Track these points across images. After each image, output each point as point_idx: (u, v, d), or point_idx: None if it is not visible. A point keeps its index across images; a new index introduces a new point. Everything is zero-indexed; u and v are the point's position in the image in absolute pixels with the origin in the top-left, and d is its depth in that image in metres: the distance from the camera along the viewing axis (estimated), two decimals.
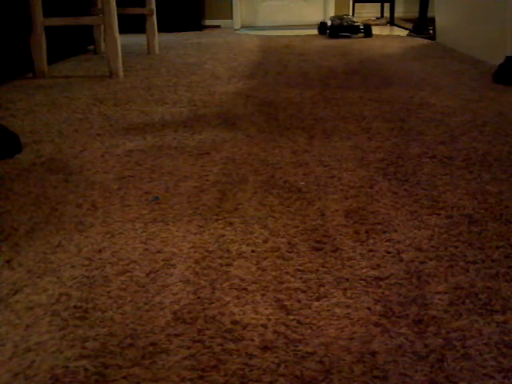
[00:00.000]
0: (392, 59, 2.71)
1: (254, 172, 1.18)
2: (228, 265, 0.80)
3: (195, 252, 0.84)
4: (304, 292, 0.73)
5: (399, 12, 5.03)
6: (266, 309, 0.69)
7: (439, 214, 0.96)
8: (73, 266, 0.81)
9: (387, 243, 0.86)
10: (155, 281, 0.76)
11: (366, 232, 0.90)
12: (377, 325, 0.66)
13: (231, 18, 4.81)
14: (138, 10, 2.96)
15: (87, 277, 0.78)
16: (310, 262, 0.80)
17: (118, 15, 2.27)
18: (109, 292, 0.74)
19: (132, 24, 3.45)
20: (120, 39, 2.27)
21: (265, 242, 0.87)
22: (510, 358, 0.60)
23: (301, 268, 0.79)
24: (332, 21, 4.02)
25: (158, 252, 0.85)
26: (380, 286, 0.74)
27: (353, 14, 4.93)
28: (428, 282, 0.75)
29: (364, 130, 1.48)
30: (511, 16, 2.26)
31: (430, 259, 0.81)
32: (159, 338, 0.64)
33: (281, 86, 2.07)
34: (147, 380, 0.58)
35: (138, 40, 3.41)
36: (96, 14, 2.94)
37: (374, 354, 0.61)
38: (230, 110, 1.72)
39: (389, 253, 0.83)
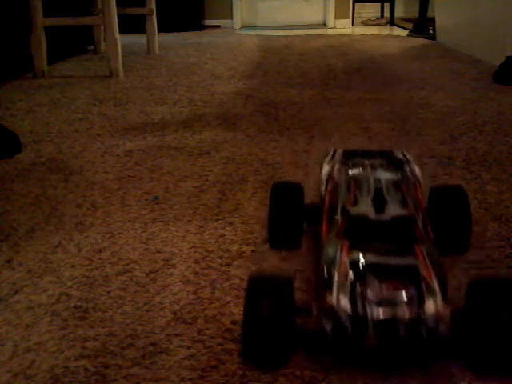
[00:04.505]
0: (392, 59, 2.71)
1: (253, 172, 1.18)
2: (228, 265, 0.80)
3: (195, 252, 0.84)
4: (304, 292, 0.73)
5: (399, 12, 5.02)
6: None
7: None
8: (73, 266, 0.81)
9: None
10: (155, 281, 0.76)
11: None
12: None
13: (231, 17, 4.81)
14: (138, 10, 2.95)
15: (87, 277, 0.78)
16: (311, 262, 0.80)
17: (118, 15, 2.26)
18: (109, 292, 0.74)
19: (132, 24, 3.44)
20: (120, 39, 2.27)
21: (265, 242, 0.87)
22: None
23: (301, 268, 0.79)
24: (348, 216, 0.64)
25: (158, 252, 0.85)
26: None
27: (353, 15, 4.91)
28: None
29: (364, 129, 1.48)
30: (511, 16, 2.26)
31: None
32: (159, 338, 0.64)
33: (281, 86, 2.07)
34: (147, 380, 0.58)
35: (138, 40, 3.40)
36: (96, 14, 2.94)
37: None
38: (230, 110, 1.72)
39: None
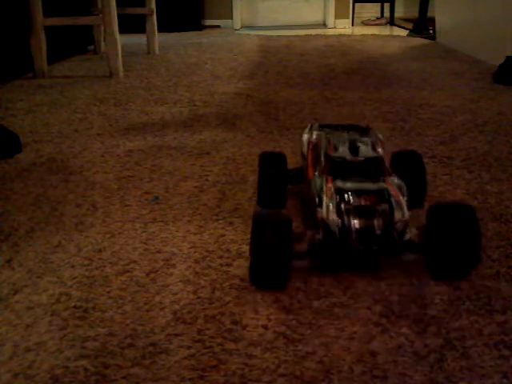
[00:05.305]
0: (392, 59, 2.71)
1: (254, 172, 1.18)
2: (228, 265, 0.80)
3: (195, 252, 0.84)
4: (304, 292, 0.73)
5: (399, 12, 5.02)
6: (266, 309, 0.69)
7: None
8: (73, 266, 0.81)
9: None
10: (155, 281, 0.76)
11: None
12: (377, 325, 0.66)
13: (231, 17, 4.80)
14: (138, 10, 2.95)
15: (87, 277, 0.78)
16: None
17: (118, 15, 2.26)
18: (109, 292, 0.74)
19: (132, 24, 3.45)
20: (120, 39, 2.27)
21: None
22: (509, 358, 0.60)
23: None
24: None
25: (158, 252, 0.85)
26: (380, 286, 0.74)
27: (353, 15, 4.91)
28: (428, 282, 0.75)
29: None
30: (511, 16, 2.26)
31: None
32: (159, 338, 0.64)
33: (281, 86, 2.07)
34: (147, 380, 0.58)
35: (138, 40, 3.40)
36: (96, 14, 2.94)
37: (373, 353, 0.61)
38: (230, 110, 1.72)
39: None
